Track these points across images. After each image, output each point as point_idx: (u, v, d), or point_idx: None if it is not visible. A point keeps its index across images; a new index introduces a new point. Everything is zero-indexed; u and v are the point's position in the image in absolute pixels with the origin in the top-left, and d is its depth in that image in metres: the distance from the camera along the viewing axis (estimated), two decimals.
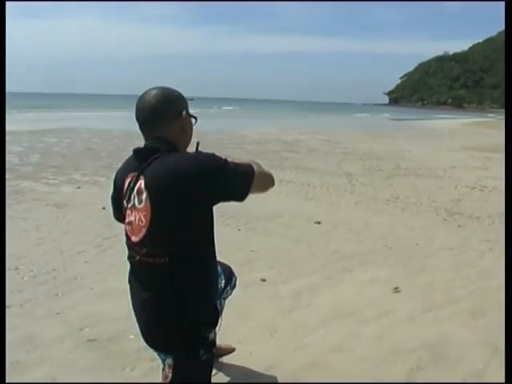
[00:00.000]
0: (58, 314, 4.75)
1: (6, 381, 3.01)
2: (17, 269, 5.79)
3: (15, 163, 14.09)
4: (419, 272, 6.18)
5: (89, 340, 4.26)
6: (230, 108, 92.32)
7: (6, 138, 19.15)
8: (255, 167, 2.55)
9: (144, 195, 2.44)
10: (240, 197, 2.51)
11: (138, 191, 2.48)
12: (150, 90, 2.63)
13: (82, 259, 6.23)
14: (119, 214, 2.80)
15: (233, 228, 7.77)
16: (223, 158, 2.47)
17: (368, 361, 4.04)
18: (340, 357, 4.10)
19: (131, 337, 4.02)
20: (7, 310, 4.69)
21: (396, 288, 5.59)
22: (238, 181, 2.46)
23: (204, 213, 2.49)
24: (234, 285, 3.53)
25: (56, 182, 11.73)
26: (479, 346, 4.35)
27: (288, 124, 43.08)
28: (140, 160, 2.53)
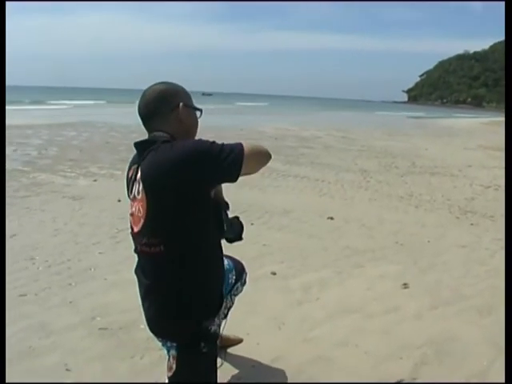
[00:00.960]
0: (71, 302, 4.84)
1: (6, 381, 3.09)
2: (32, 259, 5.89)
3: (34, 156, 14.27)
4: (429, 269, 6.20)
5: (100, 329, 4.35)
6: (251, 104, 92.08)
7: (27, 132, 19.40)
8: (245, 145, 2.48)
9: (141, 187, 2.51)
10: (231, 177, 2.45)
11: (137, 183, 2.56)
12: (150, 86, 2.71)
13: (97, 250, 6.33)
14: None
15: (246, 222, 7.70)
16: (210, 140, 2.49)
17: (373, 356, 4.08)
18: (345, 351, 4.15)
19: (142, 326, 4.06)
20: (23, 299, 4.80)
21: (405, 284, 5.63)
22: (227, 161, 2.39)
23: (199, 199, 2.51)
24: (245, 281, 3.57)
25: (73, 174, 11.88)
26: (485, 343, 4.36)
27: (306, 120, 42.95)
28: (139, 153, 2.62)
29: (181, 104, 2.64)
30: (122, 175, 2.90)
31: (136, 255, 2.72)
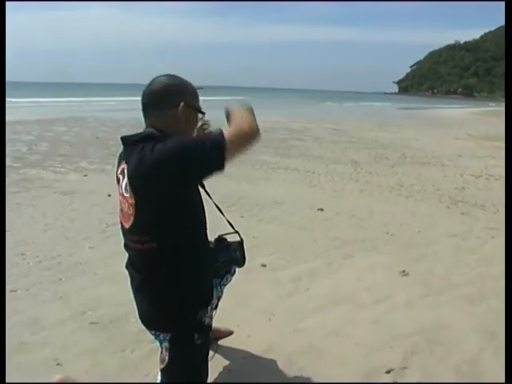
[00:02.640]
0: (61, 297, 4.84)
1: (7, 381, 3.09)
2: (23, 254, 5.89)
3: (24, 152, 14.21)
4: (419, 259, 6.23)
5: (91, 323, 4.35)
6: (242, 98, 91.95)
7: (17, 127, 19.33)
8: (225, 131, 2.39)
9: (128, 183, 2.51)
10: (217, 167, 2.38)
11: (124, 179, 2.54)
12: (158, 76, 2.67)
13: (87, 245, 6.33)
14: None
15: (236, 215, 7.81)
16: (191, 136, 2.49)
17: (364, 346, 4.09)
18: (336, 341, 4.16)
19: (132, 320, 4.07)
20: (14, 294, 4.80)
21: (404, 271, 5.71)
22: (210, 153, 2.34)
23: (187, 195, 2.53)
24: (234, 272, 3.56)
25: (63, 170, 11.84)
26: (475, 332, 4.39)
27: (297, 112, 42.91)
28: (126, 148, 2.62)
29: (182, 103, 2.58)
30: (113, 170, 2.90)
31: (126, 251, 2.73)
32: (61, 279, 5.29)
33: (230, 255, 3.15)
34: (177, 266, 2.56)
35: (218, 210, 3.14)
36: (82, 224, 7.22)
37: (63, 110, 35.36)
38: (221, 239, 3.20)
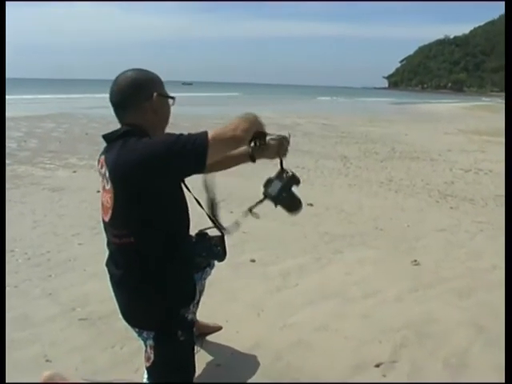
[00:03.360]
0: (50, 294, 4.83)
1: (7, 380, 3.09)
2: (12, 251, 5.86)
3: (14, 148, 14.16)
4: (408, 253, 6.23)
5: (80, 319, 4.34)
6: (232, 94, 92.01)
7: (6, 124, 19.27)
8: (210, 133, 2.38)
9: (108, 178, 2.52)
10: (198, 168, 2.42)
11: (104, 174, 2.56)
12: (123, 72, 2.67)
13: (77, 241, 6.31)
14: None
15: (225, 211, 7.75)
16: (176, 134, 2.44)
17: (353, 340, 4.10)
18: (325, 336, 4.16)
19: (121, 316, 4.10)
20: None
21: (415, 260, 5.83)
22: (191, 153, 2.34)
23: (167, 191, 2.54)
24: (213, 265, 3.57)
25: (53, 166, 11.83)
26: (464, 325, 4.41)
27: (287, 108, 42.91)
28: (107, 144, 2.62)
29: (155, 94, 2.59)
30: None
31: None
32: (50, 276, 5.27)
33: (211, 250, 3.15)
34: (157, 263, 2.57)
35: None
36: (71, 220, 7.20)
37: (53, 106, 35.24)
38: (202, 233, 3.20)
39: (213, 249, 3.22)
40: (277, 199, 3.03)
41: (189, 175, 2.48)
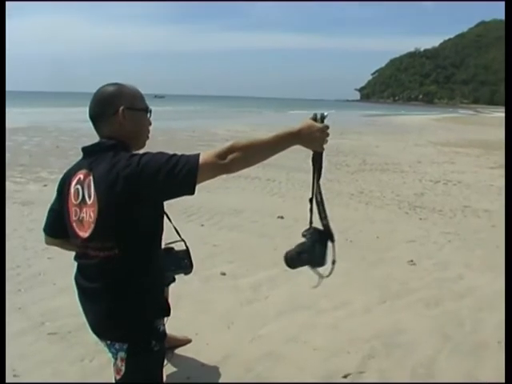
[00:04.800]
0: (20, 309, 4.81)
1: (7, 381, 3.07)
2: None
3: None
4: (378, 264, 6.31)
5: (49, 333, 4.34)
6: (203, 107, 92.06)
7: None
8: (202, 157, 2.34)
9: (92, 191, 2.48)
10: (186, 191, 2.39)
11: (87, 187, 2.52)
12: (100, 87, 2.69)
13: (46, 255, 6.25)
14: (56, 228, 2.93)
15: (196, 224, 7.84)
16: (169, 153, 2.42)
17: (322, 351, 4.14)
18: (295, 347, 4.20)
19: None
20: None
21: (411, 261, 6.13)
22: (180, 176, 2.32)
23: (152, 208, 2.53)
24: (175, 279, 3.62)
25: (23, 180, 11.75)
26: (432, 334, 4.48)
27: (257, 121, 42.97)
28: (89, 157, 2.60)
29: (121, 108, 2.59)
30: None
31: (76, 264, 2.72)
32: (20, 290, 5.26)
33: (179, 263, 3.18)
34: (137, 275, 2.56)
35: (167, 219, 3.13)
36: (41, 234, 7.10)
37: (24, 118, 34.99)
38: (168, 248, 3.23)
39: (180, 262, 3.25)
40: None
41: (176, 197, 2.45)
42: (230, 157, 2.34)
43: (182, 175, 2.32)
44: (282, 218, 8.49)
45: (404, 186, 12.35)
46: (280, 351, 4.12)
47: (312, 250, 2.56)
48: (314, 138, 2.43)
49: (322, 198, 2.62)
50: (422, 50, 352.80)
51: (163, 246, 3.11)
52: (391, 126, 42.06)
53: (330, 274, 2.67)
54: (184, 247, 3.50)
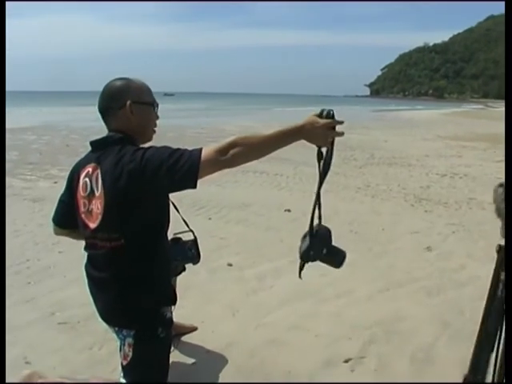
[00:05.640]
0: (29, 301, 4.91)
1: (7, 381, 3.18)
2: None
3: None
4: (382, 255, 6.40)
5: (59, 323, 4.44)
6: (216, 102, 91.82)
7: None
8: (204, 152, 2.39)
9: (100, 183, 2.59)
10: (188, 185, 2.45)
11: (95, 180, 2.63)
12: (108, 82, 2.79)
13: (57, 249, 6.36)
14: (64, 218, 3.08)
15: (204, 217, 7.95)
16: (172, 148, 2.49)
17: (324, 337, 4.23)
18: (298, 334, 4.29)
19: (100, 319, 4.20)
20: None
21: (428, 247, 6.29)
22: (183, 170, 2.38)
23: (156, 200, 2.62)
24: (185, 268, 3.72)
25: (33, 177, 11.92)
26: (431, 322, 4.55)
27: (269, 117, 42.92)
28: (97, 151, 2.71)
29: (128, 102, 2.67)
30: None
31: (86, 254, 2.84)
32: (29, 283, 5.36)
33: (186, 253, 3.27)
34: (144, 264, 2.66)
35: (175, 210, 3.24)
36: (51, 229, 7.23)
37: (32, 118, 35.10)
38: (176, 238, 3.32)
39: (187, 252, 3.35)
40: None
41: (178, 191, 2.52)
42: (231, 152, 2.38)
43: (184, 171, 2.38)
44: (289, 211, 8.59)
45: (411, 179, 12.42)
46: (283, 338, 4.22)
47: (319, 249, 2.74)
48: (316, 134, 2.49)
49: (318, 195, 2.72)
50: (431, 44, 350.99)
51: (171, 237, 3.22)
52: (400, 121, 41.90)
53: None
54: (192, 238, 3.61)
